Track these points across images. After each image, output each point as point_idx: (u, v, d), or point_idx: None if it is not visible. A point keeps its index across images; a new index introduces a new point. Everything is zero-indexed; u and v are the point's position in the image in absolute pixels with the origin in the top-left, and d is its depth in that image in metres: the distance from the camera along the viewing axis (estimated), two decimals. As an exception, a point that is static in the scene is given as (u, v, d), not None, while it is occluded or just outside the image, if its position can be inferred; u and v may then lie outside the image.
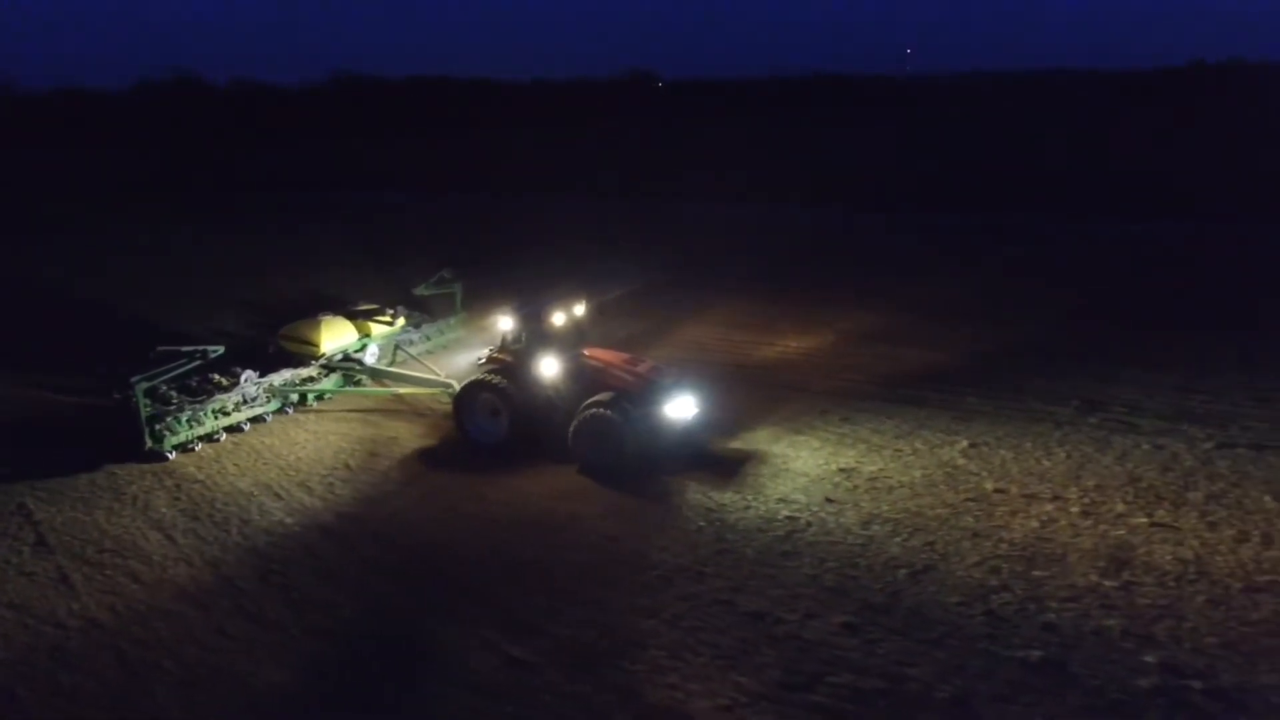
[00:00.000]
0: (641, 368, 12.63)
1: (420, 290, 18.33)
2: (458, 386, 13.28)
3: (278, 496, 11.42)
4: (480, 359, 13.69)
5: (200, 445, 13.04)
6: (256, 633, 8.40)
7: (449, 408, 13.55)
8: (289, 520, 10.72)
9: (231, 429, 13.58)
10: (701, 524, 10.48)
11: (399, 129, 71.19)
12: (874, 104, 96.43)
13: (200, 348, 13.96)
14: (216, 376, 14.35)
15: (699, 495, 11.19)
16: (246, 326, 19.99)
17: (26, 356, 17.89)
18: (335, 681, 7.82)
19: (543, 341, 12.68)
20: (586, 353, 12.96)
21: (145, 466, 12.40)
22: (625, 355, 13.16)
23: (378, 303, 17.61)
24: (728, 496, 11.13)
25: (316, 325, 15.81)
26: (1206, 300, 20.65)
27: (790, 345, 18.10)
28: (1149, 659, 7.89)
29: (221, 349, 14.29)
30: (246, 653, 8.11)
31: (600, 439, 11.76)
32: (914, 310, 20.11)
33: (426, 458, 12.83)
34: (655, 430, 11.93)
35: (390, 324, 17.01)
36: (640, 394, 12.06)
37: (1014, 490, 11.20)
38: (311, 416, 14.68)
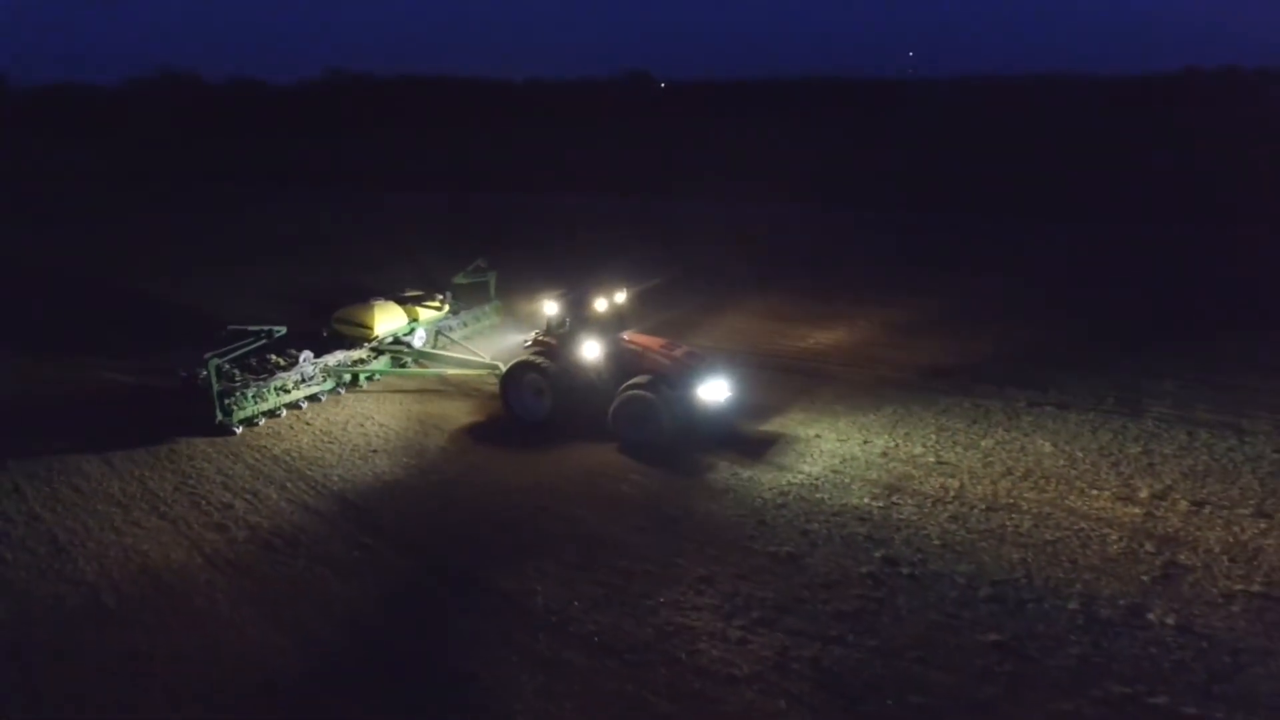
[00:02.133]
0: (678, 352, 13.33)
1: (458, 279, 19.32)
2: (504, 368, 14.19)
3: (200, 433, 13.44)
4: (526, 341, 14.49)
5: (264, 420, 13.86)
6: (163, 525, 10.42)
7: (494, 388, 14.49)
8: (210, 450, 12.74)
9: (291, 406, 14.34)
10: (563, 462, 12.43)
11: (398, 127, 73.47)
12: (877, 106, 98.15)
13: (266, 327, 14.73)
14: (274, 356, 14.98)
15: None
16: (278, 313, 19.74)
17: (86, 340, 18.98)
18: (221, 557, 9.78)
19: (585, 326, 13.55)
20: (626, 337, 13.71)
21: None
22: (662, 340, 13.88)
23: (421, 290, 18.27)
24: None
25: (370, 309, 16.52)
26: (1143, 298, 21.71)
27: (796, 337, 18.71)
28: (877, 554, 9.72)
29: (284, 329, 14.96)
30: (153, 538, 10.11)
31: (639, 418, 12.49)
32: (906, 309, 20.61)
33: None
34: (690, 411, 12.65)
35: (439, 309, 17.82)
36: (676, 377, 12.76)
37: (830, 435, 13.04)
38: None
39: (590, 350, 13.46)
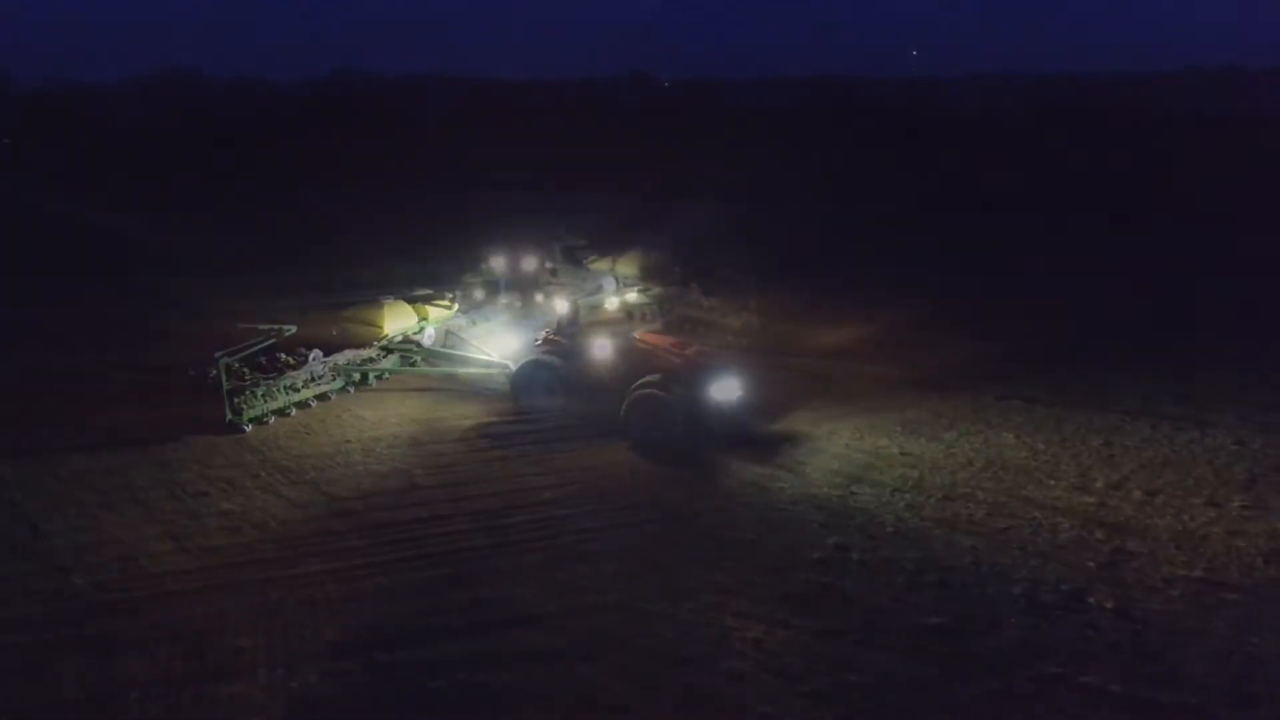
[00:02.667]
0: (689, 351, 13.53)
1: (467, 279, 19.30)
2: (514, 367, 14.36)
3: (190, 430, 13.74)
4: (537, 339, 14.64)
5: (274, 419, 13.72)
6: (139, 512, 10.77)
7: (504, 387, 14.63)
8: (191, 441, 13.04)
9: (300, 405, 14.25)
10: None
11: (401, 127, 73.75)
12: (877, 107, 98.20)
13: (276, 326, 14.82)
14: (284, 355, 14.96)
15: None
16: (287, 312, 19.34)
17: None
18: (193, 542, 10.08)
19: (597, 325, 13.89)
20: (637, 336, 13.95)
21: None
22: (674, 339, 14.11)
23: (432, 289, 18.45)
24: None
25: (380, 308, 16.63)
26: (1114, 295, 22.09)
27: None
28: (830, 540, 9.95)
29: (294, 328, 15.00)
30: (129, 524, 10.42)
31: (650, 416, 12.59)
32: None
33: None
34: (702, 410, 12.64)
35: (449, 308, 17.85)
36: (688, 375, 12.88)
37: (800, 428, 13.28)
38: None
39: (601, 349, 13.56)
